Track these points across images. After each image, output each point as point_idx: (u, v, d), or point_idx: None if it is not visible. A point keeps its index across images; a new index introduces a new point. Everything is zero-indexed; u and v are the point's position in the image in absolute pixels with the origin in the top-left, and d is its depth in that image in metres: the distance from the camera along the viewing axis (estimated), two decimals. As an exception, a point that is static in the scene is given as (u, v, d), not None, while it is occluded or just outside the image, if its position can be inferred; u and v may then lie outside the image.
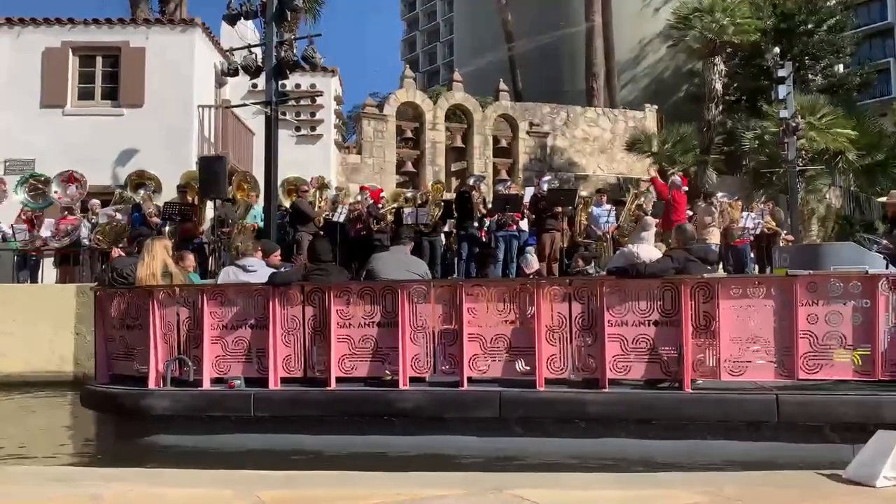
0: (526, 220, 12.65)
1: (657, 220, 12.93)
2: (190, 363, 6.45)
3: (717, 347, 5.84)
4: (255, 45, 11.47)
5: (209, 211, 13.45)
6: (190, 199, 13.10)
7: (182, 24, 16.72)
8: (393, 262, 6.96)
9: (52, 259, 13.55)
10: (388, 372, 6.29)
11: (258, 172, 13.60)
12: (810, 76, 25.42)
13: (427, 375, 6.33)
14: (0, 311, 11.21)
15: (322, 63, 12.05)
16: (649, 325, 5.94)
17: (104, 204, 13.51)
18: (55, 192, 13.79)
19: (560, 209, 12.39)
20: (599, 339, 5.95)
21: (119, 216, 12.80)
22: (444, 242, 13.43)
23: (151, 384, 6.50)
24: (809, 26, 25.50)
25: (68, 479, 4.35)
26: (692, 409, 5.77)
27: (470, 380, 6.15)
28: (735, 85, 25.64)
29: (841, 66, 26.20)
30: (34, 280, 13.22)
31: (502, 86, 22.97)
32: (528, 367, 6.06)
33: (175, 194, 13.32)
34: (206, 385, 6.43)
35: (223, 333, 6.47)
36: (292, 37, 13.07)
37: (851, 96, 26.72)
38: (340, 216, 13.03)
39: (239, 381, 6.39)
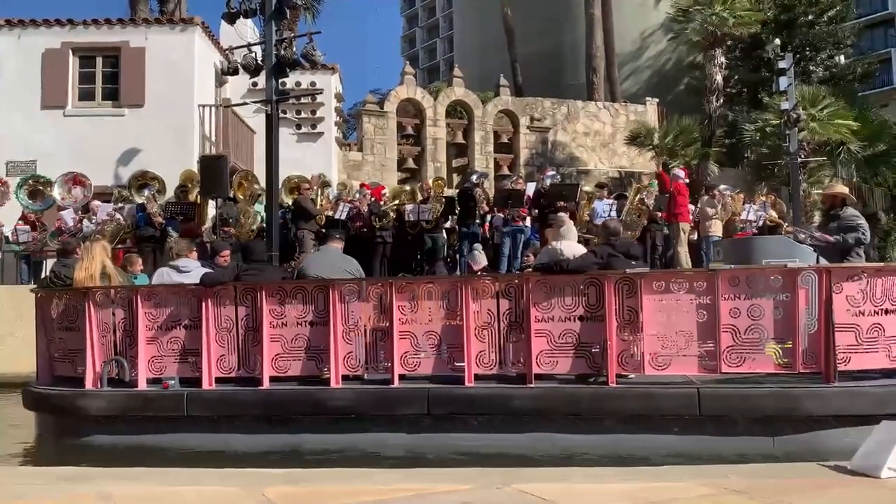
0: (528, 215, 12.64)
1: (660, 213, 13.00)
2: (126, 364, 6.54)
3: (642, 341, 5.89)
4: (255, 44, 11.48)
5: (211, 210, 13.47)
6: (192, 198, 13.12)
7: (181, 23, 16.79)
8: (324, 261, 7.04)
9: (54, 260, 13.57)
10: (326, 371, 6.34)
11: (259, 171, 13.63)
12: (811, 67, 25.29)
13: (363, 373, 6.40)
14: (4, 312, 11.22)
15: (322, 61, 12.01)
16: (575, 321, 6.02)
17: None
18: (59, 193, 13.80)
19: (562, 204, 12.38)
20: (526, 334, 6.03)
21: (118, 216, 12.80)
22: (445, 239, 13.42)
23: (88, 385, 6.62)
24: (810, 17, 25.38)
25: (77, 478, 4.38)
26: (615, 403, 5.85)
27: (402, 377, 6.24)
28: (736, 77, 25.55)
29: (842, 57, 26.03)
30: (37, 281, 13.23)
31: (503, 81, 22.94)
32: (459, 364, 6.12)
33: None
34: (142, 385, 6.54)
35: (158, 334, 6.57)
36: (292, 35, 13.02)
37: (853, 87, 26.49)
38: (342, 214, 13.04)
39: (173, 382, 6.49)
